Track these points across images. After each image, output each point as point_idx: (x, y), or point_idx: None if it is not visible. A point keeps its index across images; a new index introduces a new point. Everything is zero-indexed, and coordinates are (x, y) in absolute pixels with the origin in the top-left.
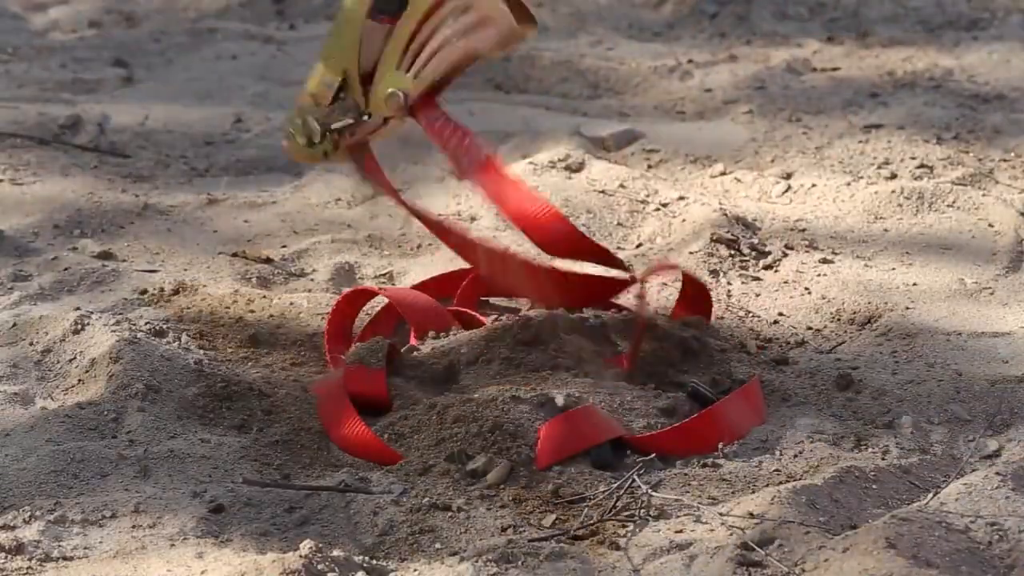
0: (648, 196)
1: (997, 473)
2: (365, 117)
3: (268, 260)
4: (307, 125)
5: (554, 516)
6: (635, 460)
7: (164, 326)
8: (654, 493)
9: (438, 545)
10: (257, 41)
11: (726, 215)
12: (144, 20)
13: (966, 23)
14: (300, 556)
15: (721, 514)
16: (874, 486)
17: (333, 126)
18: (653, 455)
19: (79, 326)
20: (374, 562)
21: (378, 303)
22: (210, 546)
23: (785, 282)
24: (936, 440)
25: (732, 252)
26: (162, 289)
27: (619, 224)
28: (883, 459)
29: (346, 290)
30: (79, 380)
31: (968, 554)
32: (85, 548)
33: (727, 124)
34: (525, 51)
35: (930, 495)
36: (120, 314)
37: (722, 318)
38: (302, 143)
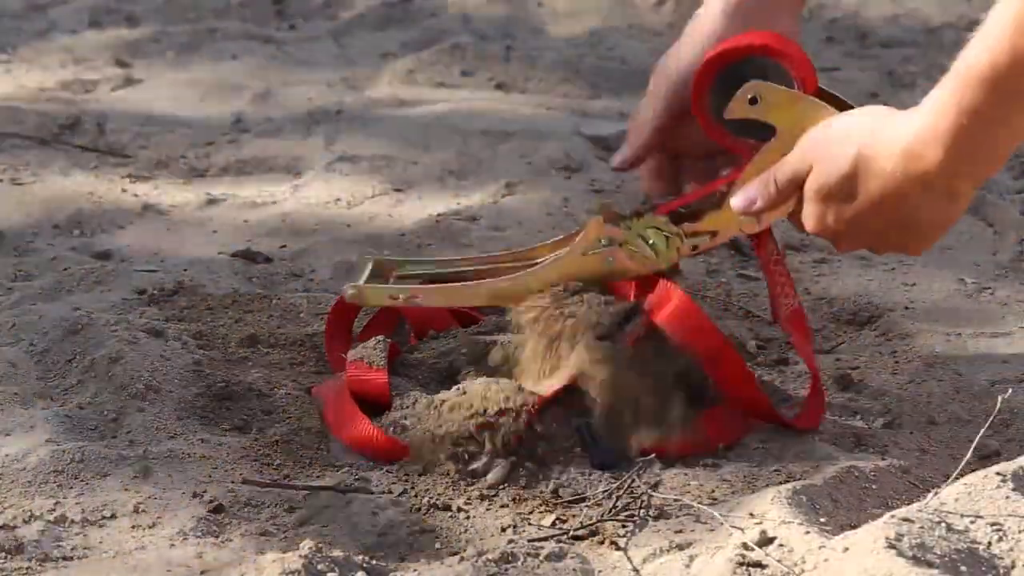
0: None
1: (997, 473)
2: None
3: (268, 260)
4: (658, 237)
5: (554, 516)
6: (635, 460)
7: (164, 326)
8: (654, 493)
9: (438, 545)
10: (257, 41)
11: None
12: (144, 20)
13: (966, 23)
14: (300, 556)
15: (721, 514)
16: (874, 486)
17: (692, 242)
18: (653, 455)
19: (79, 326)
20: (374, 562)
21: None
22: (210, 546)
23: None
24: (936, 440)
25: (732, 252)
26: (162, 289)
27: None
28: (883, 459)
29: None
30: (79, 380)
31: (968, 554)
32: (85, 548)
33: None
34: (525, 51)
35: (930, 495)
36: (120, 314)
37: (720, 318)
38: (648, 254)
